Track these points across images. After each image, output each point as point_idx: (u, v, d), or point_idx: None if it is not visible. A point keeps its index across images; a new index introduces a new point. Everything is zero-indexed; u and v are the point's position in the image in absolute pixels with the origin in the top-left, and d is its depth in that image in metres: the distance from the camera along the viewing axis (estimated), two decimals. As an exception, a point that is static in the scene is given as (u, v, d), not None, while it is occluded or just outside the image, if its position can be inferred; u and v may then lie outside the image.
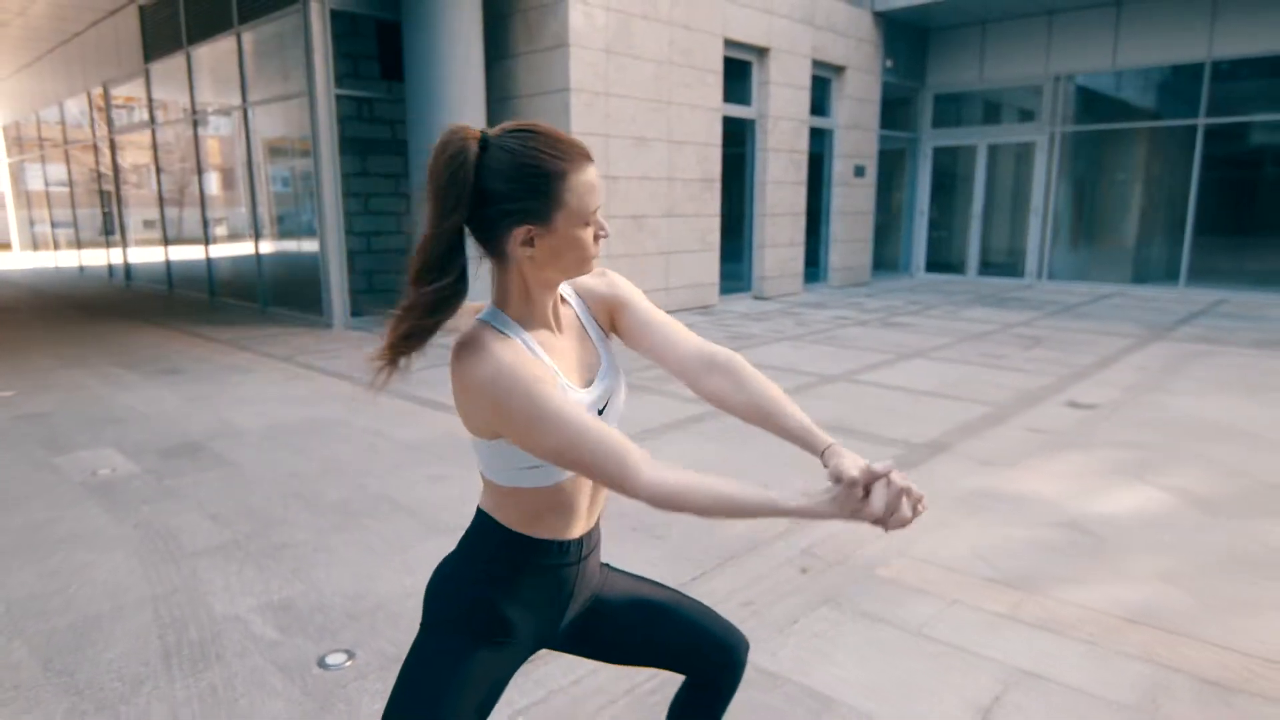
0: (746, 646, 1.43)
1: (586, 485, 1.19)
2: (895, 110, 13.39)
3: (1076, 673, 2.28)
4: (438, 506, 3.56)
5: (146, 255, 13.60)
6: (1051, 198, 12.59)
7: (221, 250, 11.31)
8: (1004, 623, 2.56)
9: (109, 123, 13.65)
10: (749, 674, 2.31)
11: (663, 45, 8.96)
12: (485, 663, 1.16)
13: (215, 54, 10.08)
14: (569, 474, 1.15)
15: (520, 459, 1.11)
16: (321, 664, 2.34)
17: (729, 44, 9.89)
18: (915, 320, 9.04)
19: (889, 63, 12.60)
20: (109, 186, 14.16)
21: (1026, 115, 12.94)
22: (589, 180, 1.13)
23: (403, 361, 1.10)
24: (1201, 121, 11.22)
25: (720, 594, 2.77)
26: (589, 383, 1.19)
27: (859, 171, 12.43)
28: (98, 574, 2.95)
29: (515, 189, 1.09)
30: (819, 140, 11.91)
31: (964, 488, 3.77)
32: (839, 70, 11.78)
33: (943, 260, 14.02)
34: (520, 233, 1.11)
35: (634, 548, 3.14)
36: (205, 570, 2.97)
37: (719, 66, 9.70)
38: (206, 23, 9.96)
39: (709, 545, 3.16)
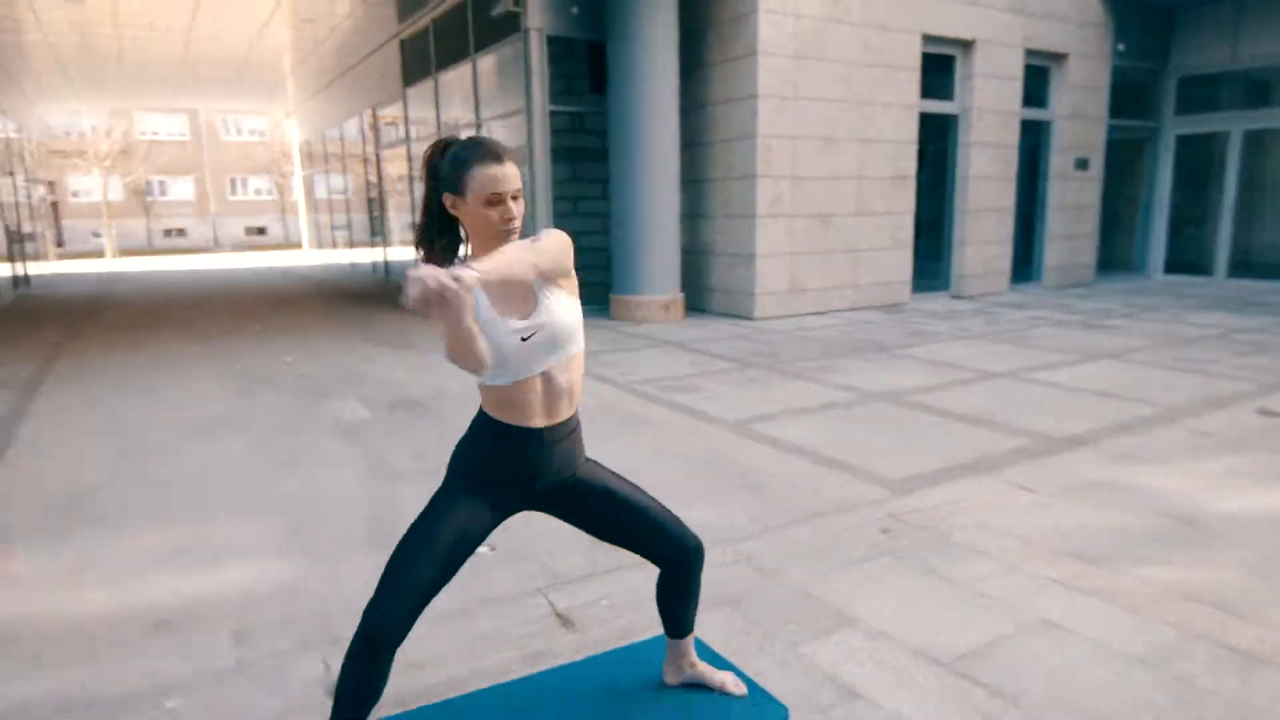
0: (696, 545, 1.83)
1: (537, 388, 1.66)
2: (1132, 96, 12.42)
3: (1099, 628, 2.43)
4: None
5: (405, 254, 15.67)
6: (1317, 189, 11.14)
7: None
8: (1056, 587, 2.71)
9: (376, 140, 15.85)
10: (784, 593, 2.69)
11: (855, 47, 9.11)
12: (464, 508, 1.68)
13: (457, 78, 11.52)
14: (519, 378, 1.63)
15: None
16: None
17: (928, 39, 9.80)
18: (1125, 323, 8.51)
19: (1121, 46, 11.74)
20: (374, 194, 16.43)
21: (1289, 97, 11.53)
22: (490, 173, 1.57)
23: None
24: None
25: (799, 540, 3.13)
26: (525, 316, 1.62)
27: (1081, 164, 11.70)
28: (335, 484, 3.86)
29: (448, 172, 1.61)
30: (1035, 132, 11.38)
31: (1083, 478, 3.80)
32: (1059, 58, 11.19)
33: (1186, 260, 12.78)
34: (447, 199, 1.62)
35: (736, 500, 3.55)
36: (405, 487, 3.78)
37: (915, 63, 9.65)
38: (450, 52, 11.41)
39: (802, 502, 3.51)
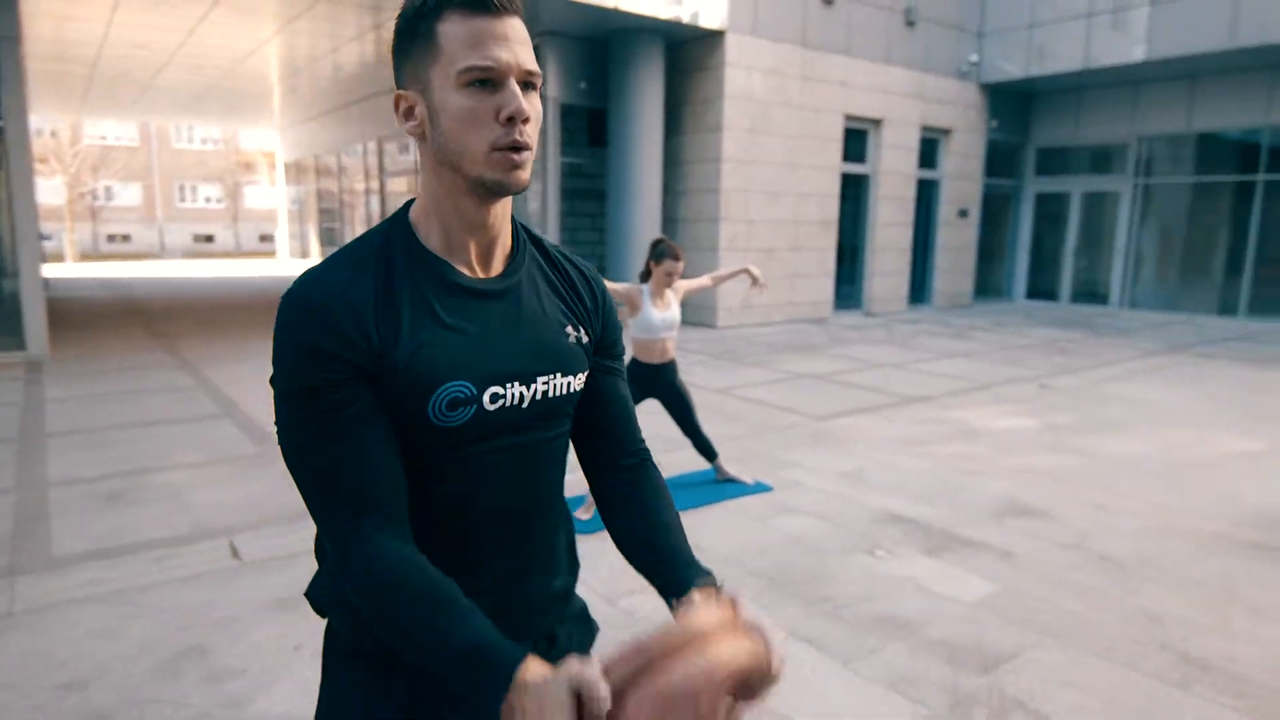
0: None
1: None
2: (1002, 161, 15.84)
3: (915, 466, 5.28)
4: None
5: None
6: (1132, 238, 14.68)
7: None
8: (896, 454, 5.56)
9: (381, 166, 18.24)
10: (764, 456, 5.48)
11: (794, 124, 12.10)
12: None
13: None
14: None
15: None
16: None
17: (849, 118, 12.89)
18: (983, 334, 11.68)
19: (994, 124, 15.13)
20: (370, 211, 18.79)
21: (1115, 168, 15.05)
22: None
23: None
24: (1261, 177, 13.10)
25: (768, 439, 5.91)
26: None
27: (962, 214, 15.01)
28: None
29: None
30: (928, 189, 14.61)
31: (922, 415, 6.72)
32: (946, 132, 14.46)
33: (1042, 288, 16.26)
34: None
35: (727, 424, 6.32)
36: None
37: (839, 136, 12.71)
38: (467, 104, 14.00)
39: (767, 424, 6.30)
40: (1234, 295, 13.68)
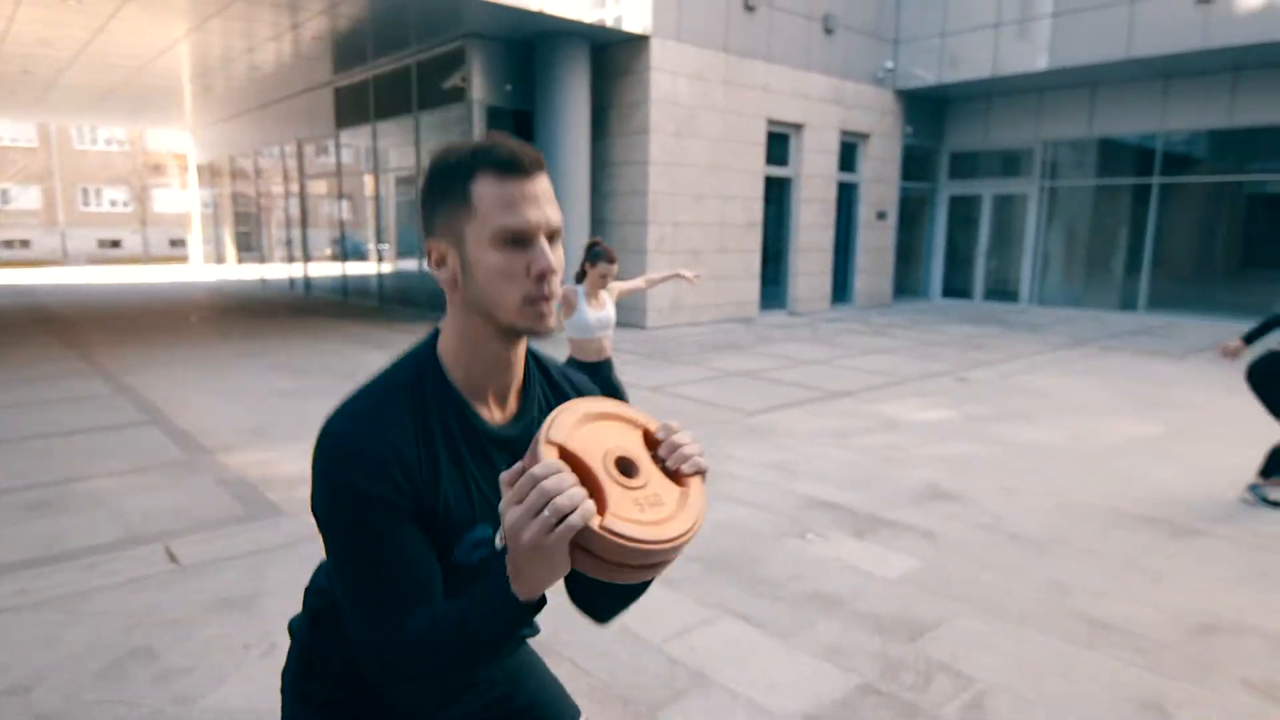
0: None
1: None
2: (917, 165, 16.45)
3: (837, 455, 5.51)
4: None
5: (315, 270, 17.75)
6: (1040, 238, 15.45)
7: (387, 268, 15.21)
8: (822, 444, 5.79)
9: (301, 168, 17.85)
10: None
11: (718, 128, 12.36)
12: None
13: (397, 128, 13.96)
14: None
15: None
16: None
17: (771, 122, 13.22)
18: (902, 331, 12.14)
19: (909, 129, 15.71)
20: (281, 210, 18.37)
21: (1023, 171, 15.80)
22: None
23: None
24: (1156, 180, 13.96)
25: (704, 431, 6.07)
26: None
27: (881, 216, 15.54)
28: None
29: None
30: (848, 191, 15.08)
31: (845, 408, 6.99)
32: (865, 136, 14.96)
33: (957, 287, 16.93)
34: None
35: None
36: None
37: (762, 140, 13.03)
38: (391, 106, 13.86)
39: (701, 419, 6.47)
40: (1133, 292, 14.52)
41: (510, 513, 0.85)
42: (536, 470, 0.85)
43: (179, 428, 6.03)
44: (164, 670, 2.75)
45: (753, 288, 13.38)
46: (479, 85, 11.76)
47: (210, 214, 24.98)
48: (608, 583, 0.95)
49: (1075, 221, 15.63)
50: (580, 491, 0.85)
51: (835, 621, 3.15)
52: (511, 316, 1.03)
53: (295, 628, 1.25)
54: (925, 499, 4.63)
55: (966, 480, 4.98)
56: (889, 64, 15.02)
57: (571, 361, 4.60)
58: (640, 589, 1.10)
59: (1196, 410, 7.02)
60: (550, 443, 0.89)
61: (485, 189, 1.00)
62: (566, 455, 0.90)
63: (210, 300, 16.46)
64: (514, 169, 1.00)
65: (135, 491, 4.60)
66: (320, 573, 1.24)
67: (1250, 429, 6.28)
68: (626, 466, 0.95)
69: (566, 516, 0.83)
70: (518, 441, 1.12)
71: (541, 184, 1.02)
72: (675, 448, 0.99)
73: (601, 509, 0.88)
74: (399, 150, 14.28)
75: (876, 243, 15.63)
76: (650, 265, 11.77)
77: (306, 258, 18.24)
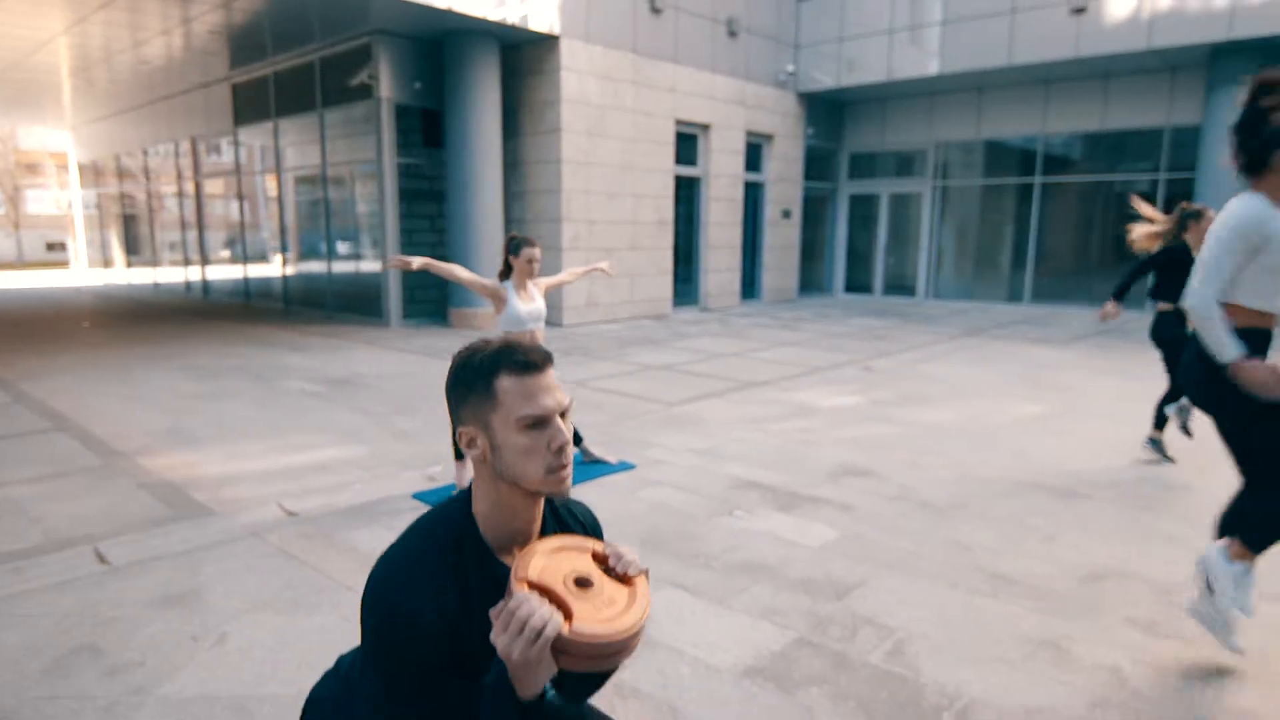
0: None
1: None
2: (819, 165, 17.07)
3: (756, 440, 5.78)
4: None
5: (213, 273, 17.14)
6: (934, 235, 16.28)
7: (292, 269, 14.82)
8: (740, 430, 6.05)
9: (196, 167, 17.18)
10: (627, 438, 5.83)
11: (629, 128, 12.57)
12: None
13: (301, 126, 13.64)
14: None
15: None
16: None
17: (680, 123, 13.51)
18: (809, 325, 12.62)
19: (810, 131, 16.29)
20: (172, 212, 17.66)
21: (916, 171, 16.61)
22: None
23: None
24: (1038, 180, 14.92)
25: (629, 424, 6.25)
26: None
27: (785, 214, 16.07)
28: (343, 417, 6.43)
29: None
30: (754, 191, 15.54)
31: (762, 397, 7.29)
32: (769, 137, 15.44)
33: (858, 282, 17.65)
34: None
35: (590, 414, 6.61)
36: (395, 418, 6.44)
37: (671, 139, 13.31)
38: (294, 103, 13.53)
39: (626, 411, 6.64)
40: (1019, 284, 15.47)
41: (499, 640, 1.08)
42: (511, 604, 1.09)
43: (90, 433, 5.83)
44: (112, 665, 2.75)
45: (666, 285, 13.65)
46: (387, 83, 11.63)
47: (94, 216, 23.70)
48: (577, 680, 1.25)
49: (966, 219, 16.52)
50: (548, 609, 1.09)
51: (767, 586, 3.37)
52: (537, 485, 1.24)
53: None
54: (840, 476, 4.92)
55: (876, 458, 5.31)
56: (790, 67, 15.55)
57: None
58: (606, 677, 1.34)
59: (1078, 391, 7.61)
60: (520, 580, 1.14)
61: (507, 384, 1.21)
62: (535, 586, 1.14)
63: (102, 305, 15.68)
64: (530, 368, 1.22)
65: (53, 497, 4.47)
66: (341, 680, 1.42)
67: (1124, 406, 6.87)
68: (583, 582, 1.18)
69: (541, 632, 1.06)
70: None
71: (551, 376, 1.25)
72: (619, 557, 1.23)
73: (569, 618, 1.11)
74: (303, 148, 13.94)
75: (782, 240, 16.15)
76: (566, 262, 11.87)
77: (204, 260, 17.56)
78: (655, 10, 12.77)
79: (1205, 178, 12.36)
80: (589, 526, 1.46)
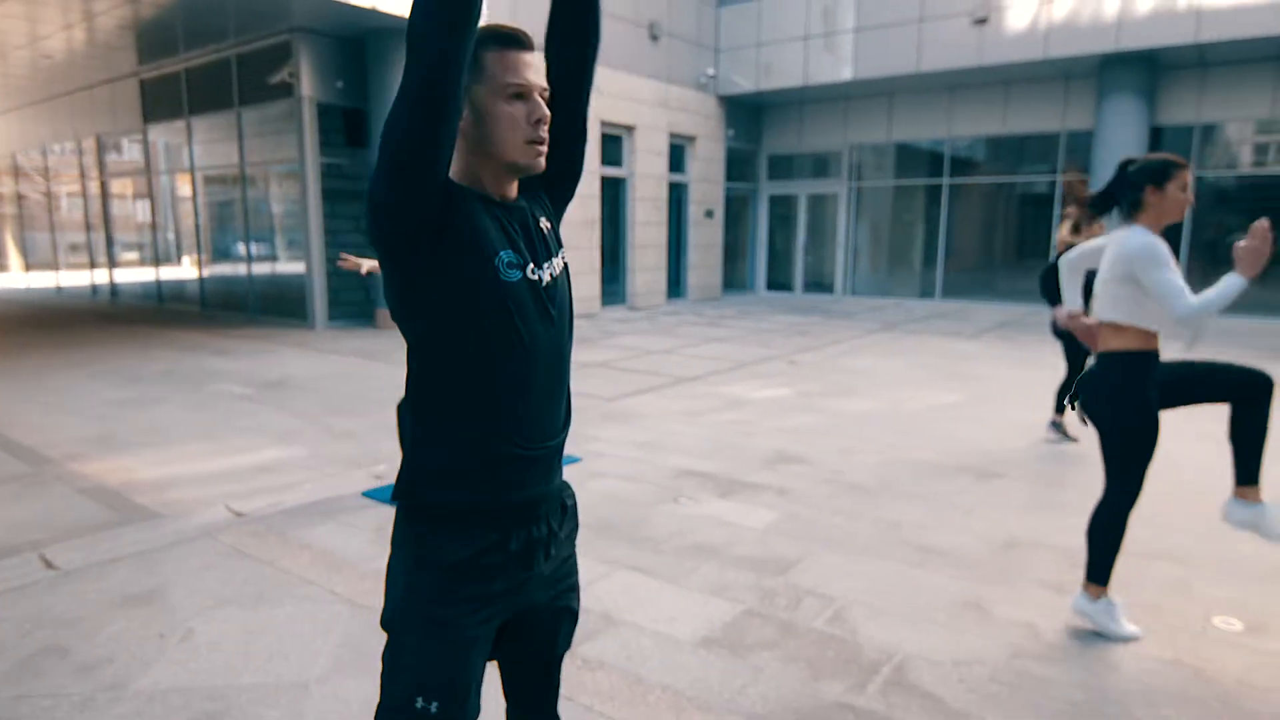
0: None
1: None
2: (740, 167, 17.50)
3: (692, 430, 6.01)
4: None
5: (122, 276, 16.53)
6: (851, 234, 16.90)
7: (208, 271, 14.41)
8: (678, 422, 6.27)
9: (101, 166, 16.49)
10: (572, 434, 6.00)
11: (555, 128, 12.66)
12: None
13: (216, 124, 13.29)
14: None
15: None
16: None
17: (604, 124, 13.69)
18: (734, 321, 12.97)
19: (731, 133, 16.69)
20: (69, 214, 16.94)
21: (832, 172, 17.21)
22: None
23: None
24: (946, 181, 15.66)
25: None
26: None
27: (708, 214, 16.43)
28: (278, 420, 6.39)
29: None
30: (679, 191, 15.84)
31: (695, 391, 7.54)
32: (691, 139, 15.76)
33: (779, 281, 18.16)
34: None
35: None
36: (331, 419, 6.44)
37: (597, 140, 13.47)
38: (209, 100, 13.17)
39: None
40: (931, 281, 16.20)
41: None
42: None
43: (14, 441, 5.66)
44: (82, 663, 2.77)
45: (594, 284, 13.82)
46: (308, 81, 11.46)
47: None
48: None
49: (880, 219, 17.20)
50: None
51: (715, 565, 3.59)
52: (514, 155, 1.32)
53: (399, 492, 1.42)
54: (775, 463, 5.19)
55: (807, 445, 5.60)
56: (710, 71, 15.91)
57: None
58: None
59: (988, 380, 8.11)
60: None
61: (494, 56, 1.30)
62: None
63: (1, 310, 14.93)
64: (516, 43, 1.31)
65: (-16, 505, 4.36)
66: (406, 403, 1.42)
67: (1030, 393, 7.36)
68: None
69: None
70: (524, 209, 1.40)
71: (536, 57, 1.33)
72: None
73: None
74: (218, 147, 13.58)
75: (706, 240, 16.51)
76: (494, 263, 11.90)
77: (111, 263, 16.88)
78: (579, 13, 12.91)
79: (1098, 179, 13.20)
80: (542, 185, 1.53)
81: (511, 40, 1.31)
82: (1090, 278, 3.32)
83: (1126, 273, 2.87)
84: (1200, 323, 2.71)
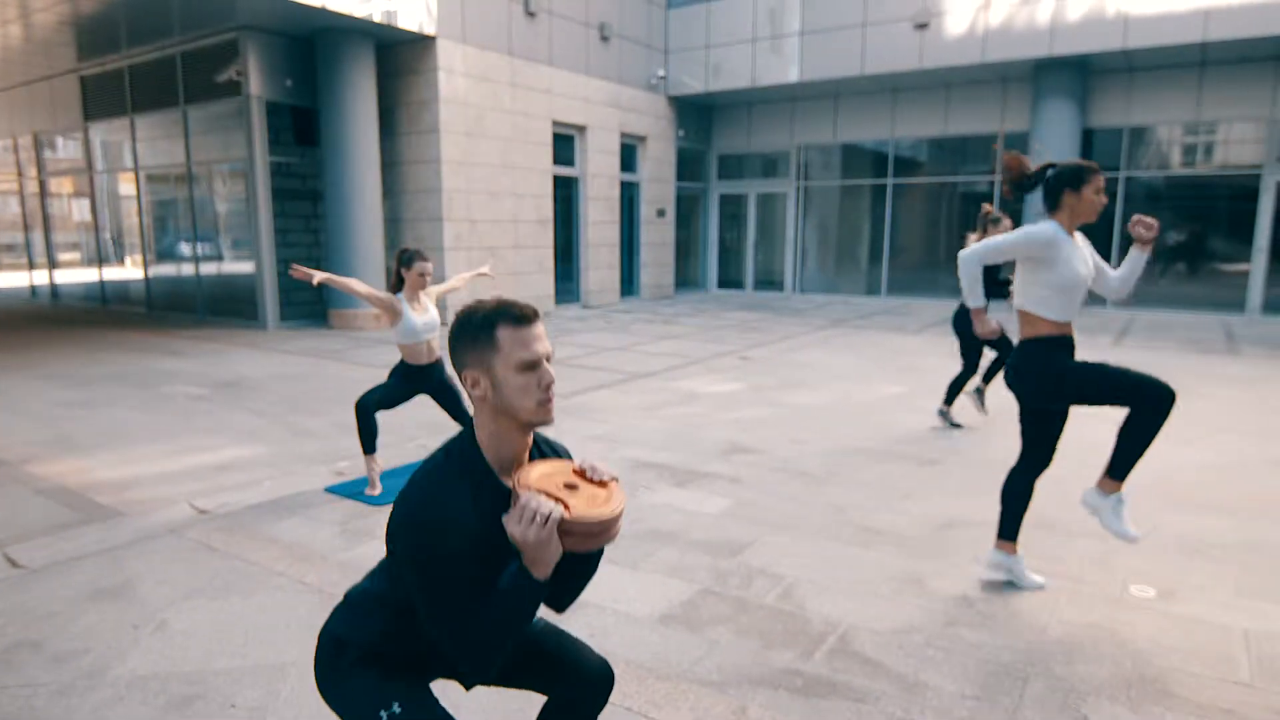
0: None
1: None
2: (690, 166, 17.75)
3: (652, 426, 6.19)
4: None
5: (62, 277, 16.15)
6: (799, 233, 17.27)
7: (153, 271, 14.17)
8: (637, 417, 6.45)
9: (39, 164, 16.07)
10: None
11: (507, 128, 12.76)
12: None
13: (161, 122, 13.08)
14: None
15: None
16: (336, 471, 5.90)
17: (557, 124, 13.81)
18: (687, 319, 13.19)
19: (681, 133, 16.93)
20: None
21: (781, 172, 17.55)
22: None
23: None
24: (890, 181, 16.10)
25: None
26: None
27: (660, 213, 16.64)
28: (237, 418, 6.41)
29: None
30: (630, 190, 16.02)
31: (652, 386, 7.72)
32: (642, 139, 15.95)
33: (730, 279, 18.46)
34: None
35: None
36: (292, 415, 6.47)
37: (549, 140, 13.58)
38: (153, 98, 12.96)
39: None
40: (876, 278, 16.63)
41: (515, 529, 1.41)
42: (522, 500, 1.42)
43: (-36, 444, 5.60)
44: (56, 655, 2.84)
45: (548, 282, 13.92)
46: (256, 79, 11.37)
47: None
48: (567, 576, 1.61)
49: (826, 218, 17.59)
50: (551, 502, 1.42)
51: (672, 549, 3.77)
52: (529, 415, 1.52)
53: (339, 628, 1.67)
54: (728, 453, 5.40)
55: (759, 436, 5.82)
56: (660, 72, 16.12)
57: (403, 365, 4.70)
58: (591, 571, 1.67)
59: (931, 373, 8.44)
60: (524, 485, 1.47)
61: (506, 334, 1.49)
62: (536, 489, 1.47)
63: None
64: (524, 320, 1.50)
65: (-60, 508, 4.35)
66: (364, 590, 1.69)
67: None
68: (571, 485, 1.53)
69: (549, 517, 1.40)
70: None
71: (541, 327, 1.53)
72: (594, 468, 1.57)
73: (566, 509, 1.44)
74: (163, 144, 13.36)
75: (658, 238, 16.71)
76: (449, 261, 11.97)
77: (51, 264, 16.47)
78: (530, 13, 13.01)
79: (1034, 179, 13.71)
80: (565, 457, 1.78)
81: (522, 319, 1.50)
82: (989, 271, 3.68)
83: (1024, 254, 3.26)
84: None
